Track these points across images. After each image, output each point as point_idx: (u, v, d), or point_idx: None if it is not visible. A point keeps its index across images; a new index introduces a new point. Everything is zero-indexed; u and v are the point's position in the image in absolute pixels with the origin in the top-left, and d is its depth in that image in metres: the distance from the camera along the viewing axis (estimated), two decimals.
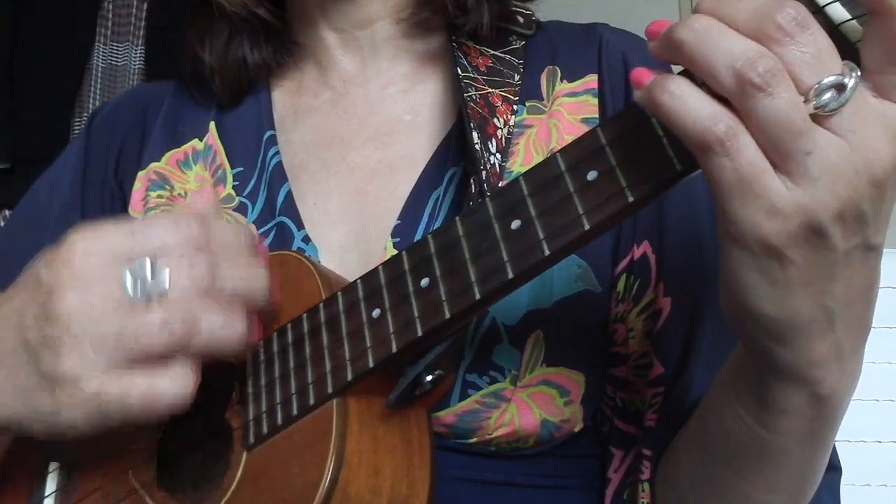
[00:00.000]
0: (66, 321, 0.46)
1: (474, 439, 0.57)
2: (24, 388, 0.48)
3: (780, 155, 0.36)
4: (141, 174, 0.72)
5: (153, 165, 0.72)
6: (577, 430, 0.59)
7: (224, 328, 0.48)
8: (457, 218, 0.48)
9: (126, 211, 0.72)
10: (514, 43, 0.69)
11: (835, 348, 0.42)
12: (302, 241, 0.63)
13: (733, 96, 0.36)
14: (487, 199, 0.46)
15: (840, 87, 0.35)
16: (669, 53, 0.38)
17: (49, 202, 0.75)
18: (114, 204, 0.73)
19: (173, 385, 0.47)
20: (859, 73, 0.35)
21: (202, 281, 0.47)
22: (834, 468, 0.61)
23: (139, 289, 0.47)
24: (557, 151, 0.44)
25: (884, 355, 1.47)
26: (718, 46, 0.36)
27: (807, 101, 0.35)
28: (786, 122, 0.35)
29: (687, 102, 0.36)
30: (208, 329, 0.47)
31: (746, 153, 0.36)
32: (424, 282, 0.48)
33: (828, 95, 0.35)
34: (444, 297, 0.46)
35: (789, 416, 0.45)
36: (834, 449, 0.61)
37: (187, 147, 0.73)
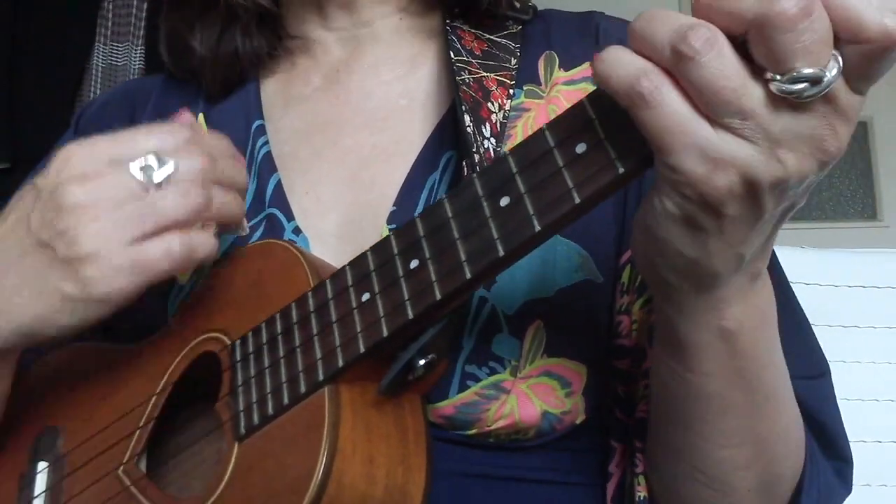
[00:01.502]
0: (78, 211, 0.50)
1: (473, 431, 0.56)
2: (44, 285, 0.51)
3: (711, 113, 0.37)
4: None
5: None
6: (578, 421, 0.59)
7: (230, 203, 0.54)
8: (444, 197, 0.47)
9: None
10: (510, 27, 0.69)
11: (738, 286, 0.44)
12: (292, 232, 0.63)
13: (669, 65, 0.37)
14: (475, 177, 0.46)
15: (816, 81, 0.35)
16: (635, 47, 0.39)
17: None
18: None
19: (205, 240, 0.53)
20: (842, 66, 0.35)
21: (205, 165, 0.52)
22: (843, 459, 0.61)
23: (150, 176, 0.51)
24: (544, 126, 0.43)
25: (884, 355, 1.46)
26: (661, 20, 0.37)
27: (772, 81, 0.35)
28: (711, 92, 0.36)
29: (615, 64, 0.38)
30: (219, 201, 0.53)
31: (671, 104, 0.37)
32: (414, 263, 0.47)
33: (802, 85, 0.35)
34: (434, 278, 0.46)
35: (705, 353, 0.47)
36: (844, 441, 0.61)
37: None
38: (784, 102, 0.36)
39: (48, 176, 0.52)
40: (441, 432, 0.56)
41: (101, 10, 1.84)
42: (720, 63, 0.35)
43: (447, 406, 0.55)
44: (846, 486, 0.61)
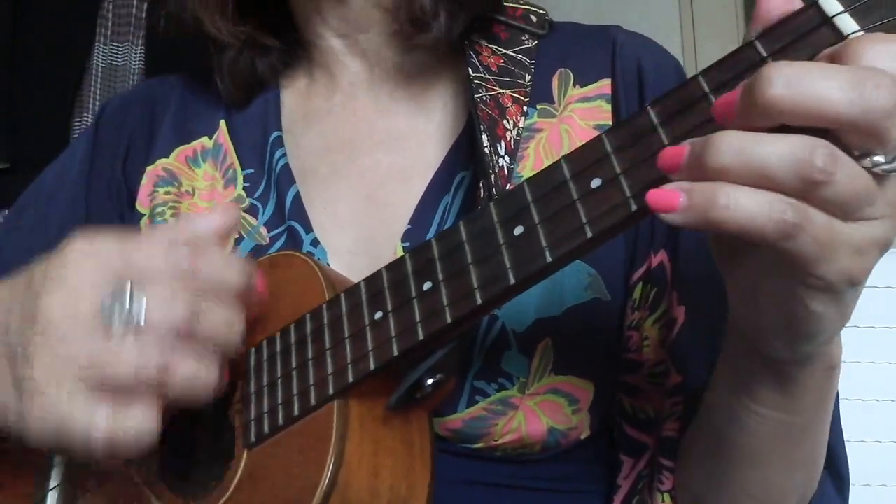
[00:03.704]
0: (45, 326, 0.46)
1: (480, 444, 0.57)
2: (1, 386, 0.48)
3: (848, 216, 0.36)
4: (149, 169, 0.72)
5: (161, 161, 0.72)
6: (583, 437, 0.59)
7: (195, 377, 0.47)
8: (461, 221, 0.47)
9: (133, 205, 0.72)
10: (526, 42, 0.69)
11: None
12: (311, 244, 0.63)
13: (797, 193, 0.35)
14: (492, 203, 0.46)
15: None
16: (705, 178, 0.37)
17: (55, 193, 0.75)
18: (120, 198, 0.73)
19: (137, 425, 0.46)
20: None
21: (179, 320, 0.46)
22: (841, 479, 0.62)
23: (116, 317, 0.46)
24: (562, 157, 0.44)
25: (884, 355, 1.47)
26: (767, 154, 0.35)
27: (877, 165, 0.35)
28: (848, 200, 0.35)
29: (746, 208, 0.35)
30: (181, 376, 0.46)
31: (818, 221, 0.35)
32: (427, 285, 0.47)
33: None
34: (445, 302, 0.46)
35: (811, 393, 0.48)
36: (844, 461, 0.62)
37: (196, 144, 0.73)
38: (889, 176, 0.36)
39: (45, 270, 0.48)
40: (447, 445, 0.57)
41: (101, 10, 1.83)
42: (849, 173, 0.35)
43: (456, 420, 0.56)
44: (844, 501, 0.62)
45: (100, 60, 1.83)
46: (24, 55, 1.81)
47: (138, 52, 1.83)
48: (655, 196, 0.37)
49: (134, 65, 1.83)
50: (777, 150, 0.34)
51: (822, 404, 0.50)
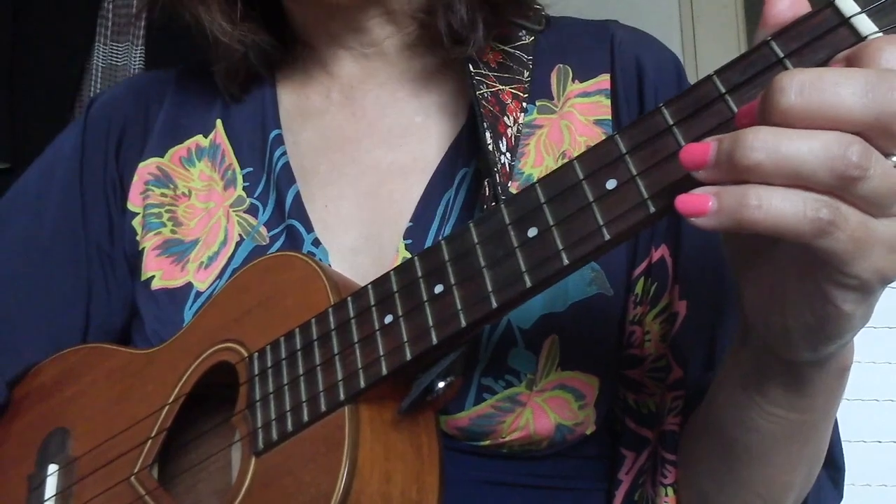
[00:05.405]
0: None
1: (487, 442, 0.57)
2: None
3: (883, 212, 0.36)
4: (141, 166, 0.72)
5: (155, 160, 0.72)
6: (588, 432, 0.59)
7: None
8: (470, 223, 0.47)
9: (124, 203, 0.71)
10: (523, 38, 0.69)
11: None
12: (312, 244, 0.63)
13: (829, 190, 0.35)
14: (502, 204, 0.46)
15: None
16: (733, 176, 0.36)
17: (43, 194, 0.74)
18: (115, 194, 0.72)
19: None
20: None
21: None
22: (837, 468, 0.62)
23: None
24: (574, 158, 0.43)
25: (884, 355, 1.47)
26: (800, 151, 0.34)
27: None
28: (883, 196, 0.35)
29: (779, 207, 0.35)
30: None
31: (853, 218, 0.35)
32: (438, 288, 0.47)
33: None
34: (459, 306, 0.46)
35: (823, 394, 0.49)
36: (840, 449, 0.62)
37: (190, 143, 0.72)
38: None
39: None
40: (454, 442, 0.57)
41: (101, 10, 1.83)
42: (883, 168, 0.35)
43: (463, 418, 0.56)
44: (839, 492, 0.63)
45: (100, 60, 1.83)
46: (24, 55, 1.80)
47: (138, 52, 1.83)
48: (684, 201, 0.37)
49: (134, 65, 1.83)
50: (811, 146, 0.34)
51: (832, 404, 0.50)
